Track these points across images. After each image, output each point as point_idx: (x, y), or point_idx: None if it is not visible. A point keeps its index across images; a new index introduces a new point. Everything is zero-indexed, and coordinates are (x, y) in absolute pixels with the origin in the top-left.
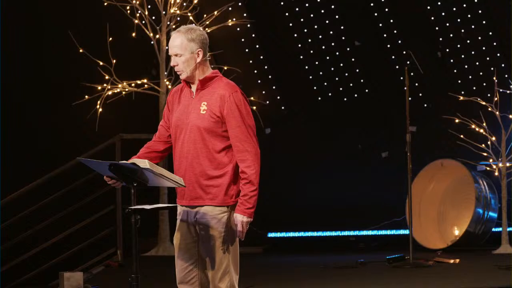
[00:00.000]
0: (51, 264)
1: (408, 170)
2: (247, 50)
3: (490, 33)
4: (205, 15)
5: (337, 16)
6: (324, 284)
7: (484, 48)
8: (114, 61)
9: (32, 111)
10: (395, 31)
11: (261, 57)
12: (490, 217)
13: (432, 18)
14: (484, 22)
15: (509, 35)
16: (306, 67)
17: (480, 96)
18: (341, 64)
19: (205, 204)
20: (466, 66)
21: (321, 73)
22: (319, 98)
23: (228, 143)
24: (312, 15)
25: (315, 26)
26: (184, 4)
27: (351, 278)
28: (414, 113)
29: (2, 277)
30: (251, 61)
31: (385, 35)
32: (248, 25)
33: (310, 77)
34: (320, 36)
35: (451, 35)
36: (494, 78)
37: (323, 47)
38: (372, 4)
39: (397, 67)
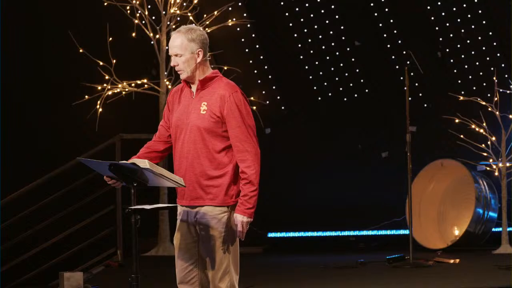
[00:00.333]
0: (51, 264)
1: (408, 170)
2: (247, 50)
3: (490, 33)
4: (205, 15)
5: (337, 16)
6: (324, 284)
7: (484, 48)
8: (114, 61)
9: (32, 111)
10: (395, 31)
11: (261, 57)
12: (490, 217)
13: (432, 18)
14: (484, 22)
15: (509, 35)
16: (306, 67)
17: (480, 96)
18: (341, 64)
19: (205, 204)
20: (466, 66)
21: (321, 73)
22: (319, 98)
23: (228, 143)
24: (312, 15)
25: (315, 26)
26: (184, 4)
27: (351, 278)
28: (414, 113)
29: (2, 277)
30: (251, 61)
31: (385, 35)
32: (248, 25)
33: (310, 77)
34: (320, 36)
35: (451, 35)
36: (494, 78)
37: (323, 47)
38: (372, 4)
39: (397, 67)
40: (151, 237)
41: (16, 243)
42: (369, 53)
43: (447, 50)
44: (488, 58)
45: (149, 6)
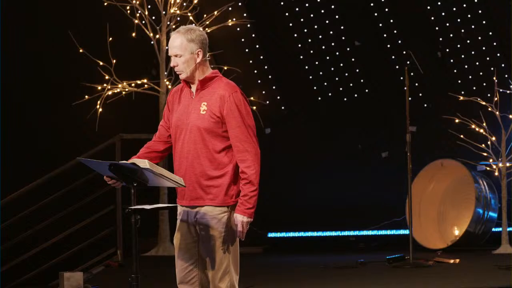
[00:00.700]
0: (51, 264)
1: (408, 170)
2: (247, 50)
3: (490, 33)
4: (205, 15)
5: (337, 16)
6: (324, 284)
7: (484, 48)
8: (114, 61)
9: (32, 111)
10: (395, 31)
11: (261, 57)
12: (490, 217)
13: (432, 18)
14: (484, 22)
15: (509, 35)
16: (306, 67)
17: (480, 96)
18: (341, 64)
19: (205, 204)
20: (466, 66)
21: (321, 73)
22: (319, 98)
23: (228, 143)
24: (312, 15)
25: (315, 26)
26: (184, 4)
27: (351, 278)
28: (414, 113)
29: (2, 277)
30: (251, 61)
31: (385, 35)
32: (248, 25)
33: (310, 77)
34: (320, 36)
35: (451, 35)
36: (494, 78)
37: (323, 47)
38: (372, 4)
39: (397, 67)
40: (151, 237)
41: (16, 243)
42: (369, 53)
43: (447, 50)
44: (488, 58)
45: (149, 6)
